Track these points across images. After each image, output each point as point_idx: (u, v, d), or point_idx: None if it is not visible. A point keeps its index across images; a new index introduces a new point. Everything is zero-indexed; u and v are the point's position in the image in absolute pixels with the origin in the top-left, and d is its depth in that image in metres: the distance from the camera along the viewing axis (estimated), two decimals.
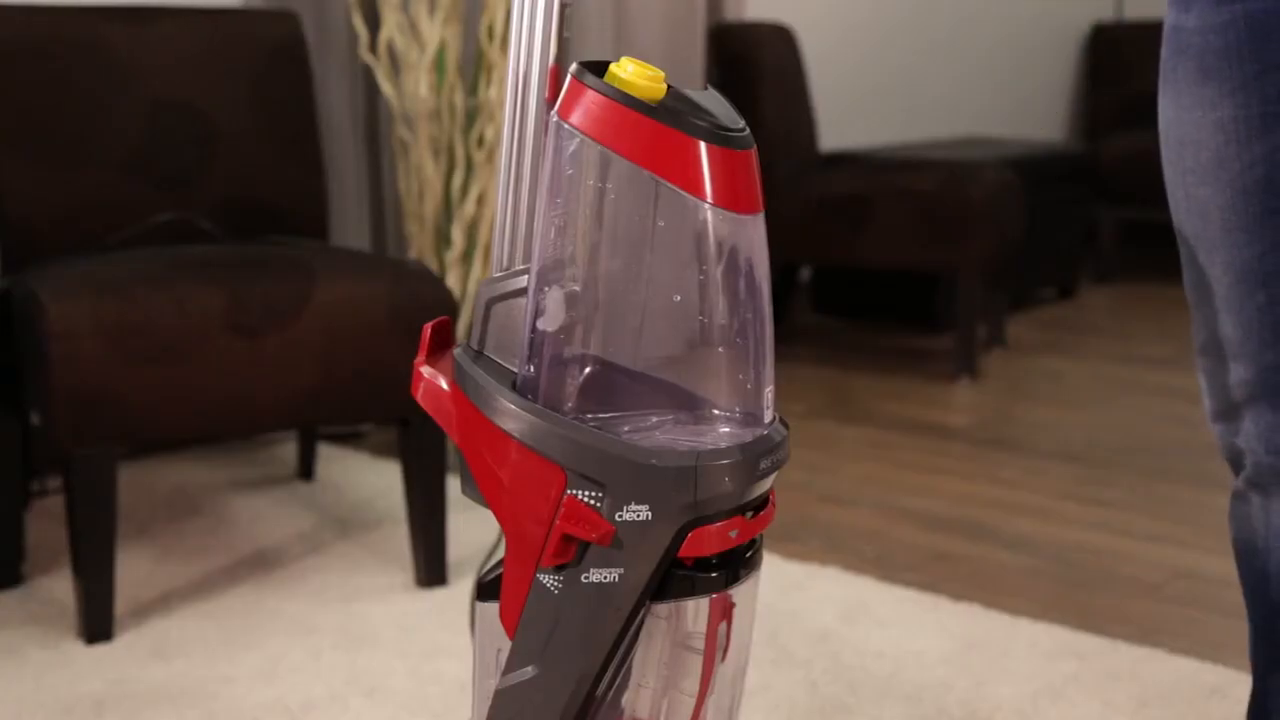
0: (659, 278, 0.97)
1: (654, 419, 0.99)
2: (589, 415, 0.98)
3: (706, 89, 1.01)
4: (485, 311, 1.05)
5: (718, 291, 0.97)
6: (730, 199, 0.96)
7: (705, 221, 0.96)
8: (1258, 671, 1.34)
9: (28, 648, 2.02)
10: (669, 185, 0.95)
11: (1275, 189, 1.17)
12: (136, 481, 2.74)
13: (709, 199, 0.95)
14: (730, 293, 0.98)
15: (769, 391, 1.02)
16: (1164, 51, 1.25)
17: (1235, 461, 1.31)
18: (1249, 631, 1.34)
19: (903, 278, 4.12)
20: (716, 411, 1.00)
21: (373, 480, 2.77)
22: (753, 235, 0.99)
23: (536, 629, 1.01)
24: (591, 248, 0.98)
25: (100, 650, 2.01)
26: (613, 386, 0.99)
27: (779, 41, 3.94)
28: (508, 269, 1.05)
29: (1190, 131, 1.22)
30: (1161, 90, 1.26)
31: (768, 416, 1.02)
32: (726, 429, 1.00)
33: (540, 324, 0.99)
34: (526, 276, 1.02)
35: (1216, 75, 1.19)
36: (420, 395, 1.07)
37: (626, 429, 0.98)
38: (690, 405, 1.00)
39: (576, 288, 0.98)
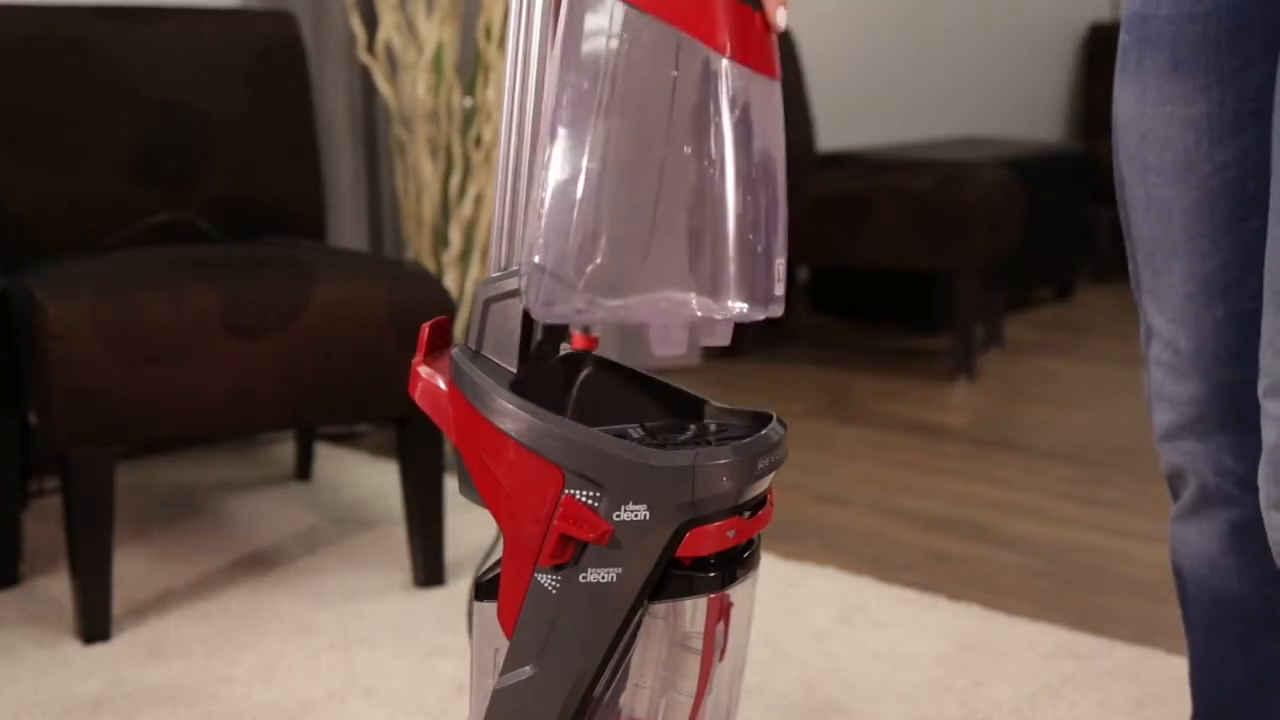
0: (674, 133, 0.95)
1: (672, 295, 0.96)
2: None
3: None
4: (483, 311, 1.05)
5: (727, 145, 0.95)
6: (744, 54, 0.96)
7: (719, 74, 0.95)
8: (1203, 692, 1.32)
9: (25, 648, 2.02)
10: (688, 38, 0.94)
11: (1245, 194, 1.11)
12: (134, 482, 2.74)
13: (727, 52, 0.95)
14: (742, 149, 0.96)
15: (780, 264, 0.99)
16: (1125, 39, 1.18)
17: (1178, 481, 1.25)
18: (1190, 657, 1.32)
19: (900, 278, 4.12)
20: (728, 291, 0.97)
21: (370, 480, 2.77)
22: (768, 97, 0.98)
23: (534, 629, 1.01)
24: (606, 110, 0.96)
25: (98, 650, 2.01)
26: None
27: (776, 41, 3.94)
28: (505, 269, 1.05)
29: (1156, 127, 1.15)
30: (1120, 81, 1.19)
31: (778, 290, 0.99)
32: (739, 304, 0.97)
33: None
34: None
35: (1190, 69, 1.12)
36: (418, 395, 1.07)
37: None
38: (700, 286, 0.97)
39: (591, 163, 0.95)
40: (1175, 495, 1.28)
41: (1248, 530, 1.20)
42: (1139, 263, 1.21)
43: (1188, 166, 1.13)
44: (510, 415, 0.99)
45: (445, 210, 2.94)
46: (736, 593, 1.03)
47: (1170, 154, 1.14)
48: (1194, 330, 1.17)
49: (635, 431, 1.06)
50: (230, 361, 2.05)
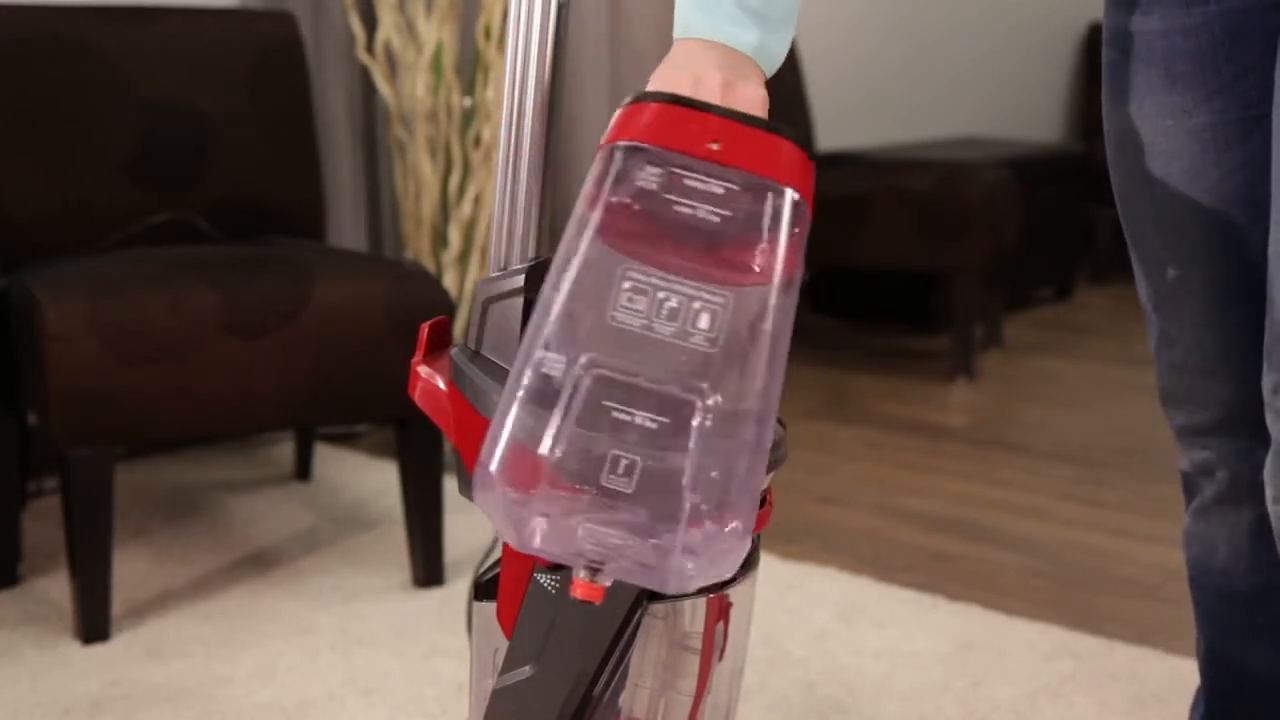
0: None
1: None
2: None
3: None
4: (482, 311, 1.05)
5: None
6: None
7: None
8: (1215, 688, 1.32)
9: (24, 648, 2.02)
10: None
11: (1256, 196, 1.11)
12: (133, 482, 2.74)
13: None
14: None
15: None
16: (1112, 55, 1.18)
17: (1203, 477, 1.26)
18: (1202, 651, 1.32)
19: (900, 278, 4.12)
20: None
21: (370, 480, 2.77)
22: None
23: (534, 629, 1.01)
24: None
25: (97, 650, 2.01)
26: None
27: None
28: (505, 269, 1.04)
29: (1158, 140, 1.15)
30: (1111, 97, 1.19)
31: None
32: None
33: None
34: (523, 276, 1.02)
35: (1187, 81, 1.12)
36: (417, 395, 1.06)
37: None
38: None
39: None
40: (1194, 491, 1.28)
41: None
42: (1152, 272, 1.21)
43: (1196, 175, 1.14)
44: None
45: (445, 210, 2.94)
46: (736, 593, 1.03)
47: (1177, 165, 1.14)
48: (1219, 333, 1.17)
49: None
50: (230, 361, 2.05)
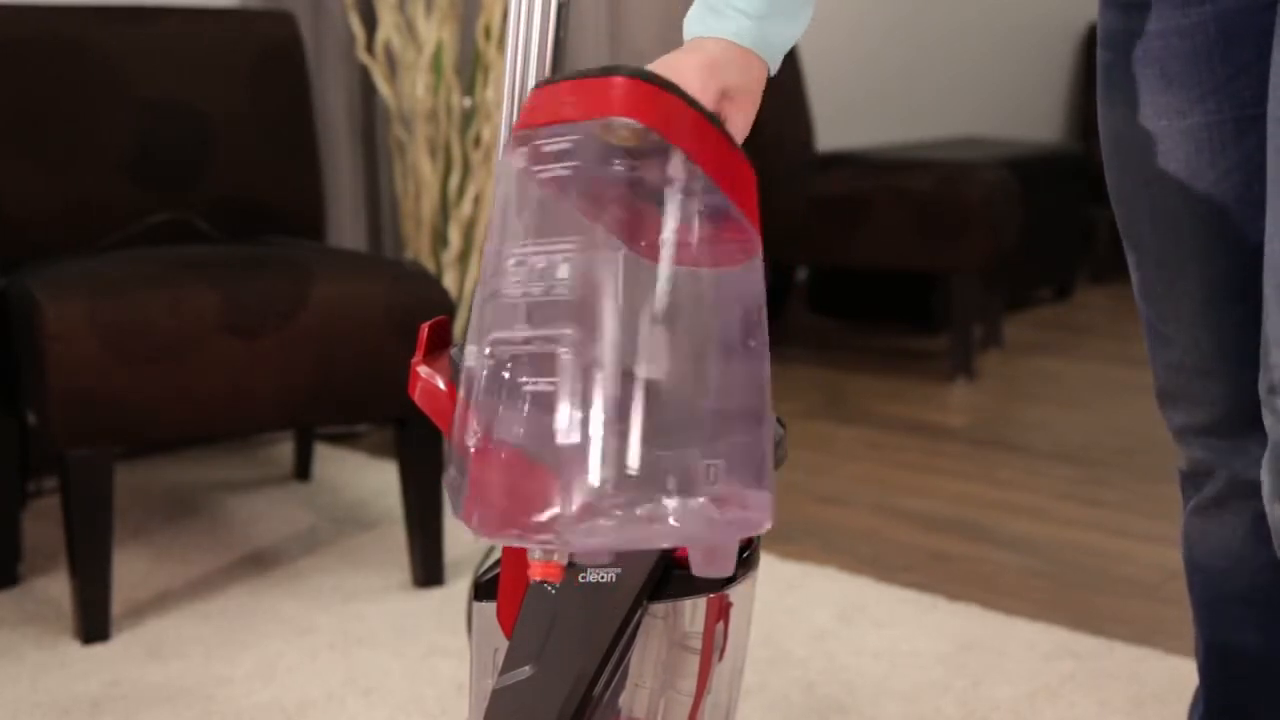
0: None
1: None
2: None
3: None
4: None
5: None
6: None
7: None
8: (1214, 688, 1.32)
9: (24, 648, 2.02)
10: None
11: (1252, 196, 1.11)
12: (133, 482, 2.74)
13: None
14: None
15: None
16: (1107, 56, 1.18)
17: (1200, 477, 1.27)
18: (1201, 651, 1.32)
19: (899, 278, 4.12)
20: None
21: (370, 480, 2.77)
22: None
23: (534, 629, 1.01)
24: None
25: (97, 650, 2.01)
26: None
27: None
28: None
29: (1153, 141, 1.15)
30: (1106, 98, 1.19)
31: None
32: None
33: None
34: None
35: (1182, 81, 1.12)
36: (417, 395, 1.06)
37: None
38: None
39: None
40: (1192, 491, 1.28)
41: None
42: (1148, 273, 1.21)
43: (1191, 175, 1.14)
44: None
45: (444, 210, 2.94)
46: (736, 593, 1.03)
47: (1172, 165, 1.14)
48: (1214, 333, 1.17)
49: None
50: (229, 361, 2.05)
